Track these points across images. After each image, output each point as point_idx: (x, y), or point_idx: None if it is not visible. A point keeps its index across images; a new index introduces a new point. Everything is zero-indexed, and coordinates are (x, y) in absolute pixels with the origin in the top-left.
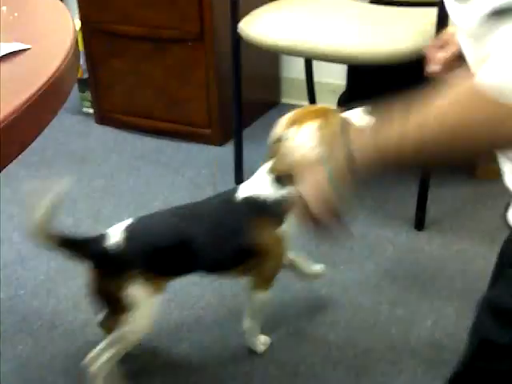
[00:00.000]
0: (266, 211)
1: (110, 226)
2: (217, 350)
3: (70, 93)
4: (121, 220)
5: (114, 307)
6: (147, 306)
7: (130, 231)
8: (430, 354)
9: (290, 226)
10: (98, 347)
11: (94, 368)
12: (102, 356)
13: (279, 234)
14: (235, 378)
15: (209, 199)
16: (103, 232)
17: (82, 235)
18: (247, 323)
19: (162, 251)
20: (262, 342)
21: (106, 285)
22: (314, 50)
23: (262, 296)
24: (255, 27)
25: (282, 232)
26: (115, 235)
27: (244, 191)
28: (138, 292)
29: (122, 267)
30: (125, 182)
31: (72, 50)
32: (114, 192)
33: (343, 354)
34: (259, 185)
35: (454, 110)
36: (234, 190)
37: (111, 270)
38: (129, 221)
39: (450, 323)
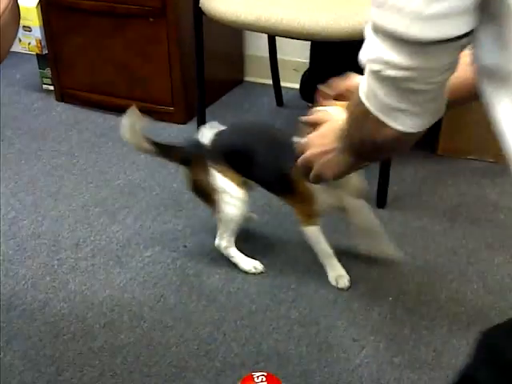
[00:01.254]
0: None
1: (71, 204)
2: (179, 330)
3: (6, 54)
4: (81, 198)
5: (208, 197)
6: (233, 192)
7: (216, 137)
8: (391, 330)
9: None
10: (217, 235)
11: (224, 248)
12: (222, 240)
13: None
14: (198, 356)
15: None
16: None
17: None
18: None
19: (237, 154)
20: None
21: (201, 179)
22: (277, 25)
23: (306, 230)
24: (217, 2)
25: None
26: (206, 138)
27: None
28: (223, 181)
29: (212, 161)
30: (86, 160)
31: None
32: (75, 170)
33: (305, 330)
34: None
35: (352, 100)
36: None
37: (203, 165)
38: (215, 130)
39: (410, 299)
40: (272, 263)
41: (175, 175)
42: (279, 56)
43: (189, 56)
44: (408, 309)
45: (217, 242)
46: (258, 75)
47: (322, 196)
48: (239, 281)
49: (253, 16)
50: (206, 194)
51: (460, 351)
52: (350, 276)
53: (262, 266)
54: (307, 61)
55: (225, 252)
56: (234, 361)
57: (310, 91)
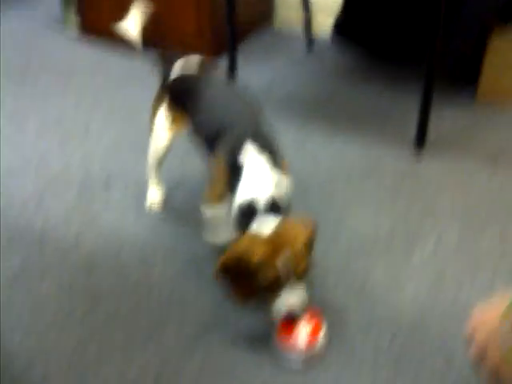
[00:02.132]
0: None
1: (100, 140)
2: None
3: None
4: (110, 135)
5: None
6: (163, 126)
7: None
8: (432, 275)
9: None
10: None
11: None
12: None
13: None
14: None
15: None
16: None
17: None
18: None
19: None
20: None
21: (155, 104)
22: None
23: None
24: None
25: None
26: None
27: None
28: (162, 114)
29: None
30: (113, 98)
31: None
32: (102, 107)
33: (344, 270)
34: None
35: None
36: None
37: (162, 94)
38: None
39: (452, 242)
40: None
41: None
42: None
43: None
44: (449, 255)
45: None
46: (289, 19)
47: None
48: None
49: None
50: (151, 116)
51: None
52: (388, 219)
53: (159, 202)
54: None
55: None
56: None
57: (343, 34)
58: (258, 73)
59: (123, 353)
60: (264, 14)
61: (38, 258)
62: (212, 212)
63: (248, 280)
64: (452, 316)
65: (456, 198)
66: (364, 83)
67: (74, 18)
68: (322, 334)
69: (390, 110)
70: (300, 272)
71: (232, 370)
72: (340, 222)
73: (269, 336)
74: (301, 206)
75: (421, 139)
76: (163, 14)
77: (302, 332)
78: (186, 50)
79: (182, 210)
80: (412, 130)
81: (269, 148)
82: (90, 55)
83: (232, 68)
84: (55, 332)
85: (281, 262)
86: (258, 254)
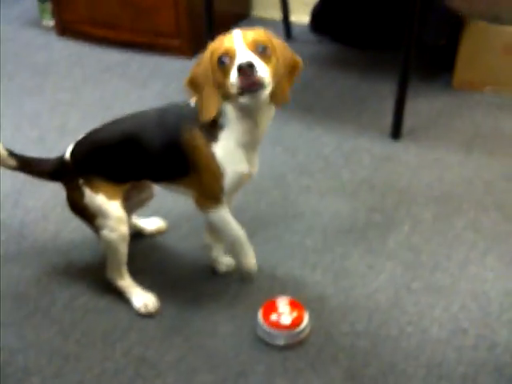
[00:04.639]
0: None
1: (77, 136)
2: (193, 256)
3: None
4: (86, 130)
5: (89, 219)
6: (109, 212)
7: (77, 143)
8: (408, 257)
9: (224, 146)
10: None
11: (116, 281)
12: (112, 272)
13: (212, 150)
14: (214, 281)
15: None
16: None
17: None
18: (206, 239)
19: (107, 154)
20: (225, 263)
21: (71, 198)
22: None
23: (211, 215)
24: None
25: (217, 149)
26: (67, 152)
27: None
28: (96, 199)
29: (72, 177)
30: (90, 95)
31: None
32: (79, 105)
33: (320, 257)
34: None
35: None
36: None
37: (67, 182)
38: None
39: (427, 228)
40: None
41: None
42: None
43: None
44: (424, 237)
45: (108, 274)
46: (265, 9)
47: (232, 162)
48: (252, 209)
49: None
50: (86, 216)
51: (477, 277)
52: (365, 206)
53: (155, 303)
54: None
55: (117, 285)
56: (249, 286)
57: (321, 23)
58: None
59: (104, 342)
60: (241, 4)
61: (17, 255)
62: (223, 218)
63: (209, 74)
64: (428, 294)
65: (431, 183)
66: (341, 71)
67: (50, 16)
68: (304, 320)
69: (366, 98)
70: (251, 42)
71: (212, 355)
72: (317, 211)
73: (250, 318)
74: (277, 195)
75: (397, 126)
76: (141, 15)
77: (286, 311)
78: (165, 52)
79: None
80: (388, 118)
81: None
82: (66, 52)
83: None
84: (35, 324)
85: (230, 35)
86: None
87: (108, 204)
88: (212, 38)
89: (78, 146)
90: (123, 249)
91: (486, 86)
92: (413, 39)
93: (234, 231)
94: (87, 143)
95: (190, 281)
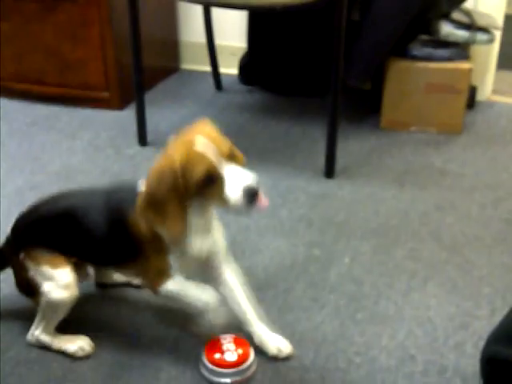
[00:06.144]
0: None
1: (3, 190)
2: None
3: None
4: (15, 184)
5: (33, 293)
6: (56, 277)
7: (18, 217)
8: (350, 289)
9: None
10: (33, 324)
11: (35, 342)
12: (37, 330)
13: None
14: (155, 324)
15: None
16: None
17: None
18: None
19: (47, 227)
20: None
21: (19, 278)
22: None
23: (165, 288)
24: None
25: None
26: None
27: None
28: (38, 269)
29: (14, 252)
30: (18, 148)
31: None
32: (6, 158)
33: (264, 294)
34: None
35: None
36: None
37: (12, 261)
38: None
39: (367, 259)
40: None
41: (114, 157)
42: (216, 41)
43: (122, 39)
44: (365, 268)
45: (36, 332)
46: (195, 62)
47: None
48: None
49: None
50: (34, 290)
51: (420, 304)
52: (304, 242)
53: (91, 343)
54: (245, 45)
55: (42, 342)
56: (191, 327)
57: (250, 74)
58: (169, 116)
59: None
60: (170, 58)
61: None
62: (178, 286)
63: (178, 191)
64: (374, 323)
65: (368, 216)
66: (273, 118)
67: None
68: (250, 356)
69: (299, 142)
70: (226, 151)
71: None
72: (256, 252)
73: (193, 360)
74: None
75: (330, 166)
76: (69, 68)
77: (231, 348)
78: (94, 105)
79: None
80: (321, 159)
81: None
82: None
83: (141, 117)
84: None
85: (200, 145)
86: (177, 155)
87: (54, 272)
88: (141, 92)
89: (19, 220)
90: (65, 312)
91: (411, 125)
92: (338, 84)
93: (192, 292)
94: (28, 216)
95: (129, 324)
